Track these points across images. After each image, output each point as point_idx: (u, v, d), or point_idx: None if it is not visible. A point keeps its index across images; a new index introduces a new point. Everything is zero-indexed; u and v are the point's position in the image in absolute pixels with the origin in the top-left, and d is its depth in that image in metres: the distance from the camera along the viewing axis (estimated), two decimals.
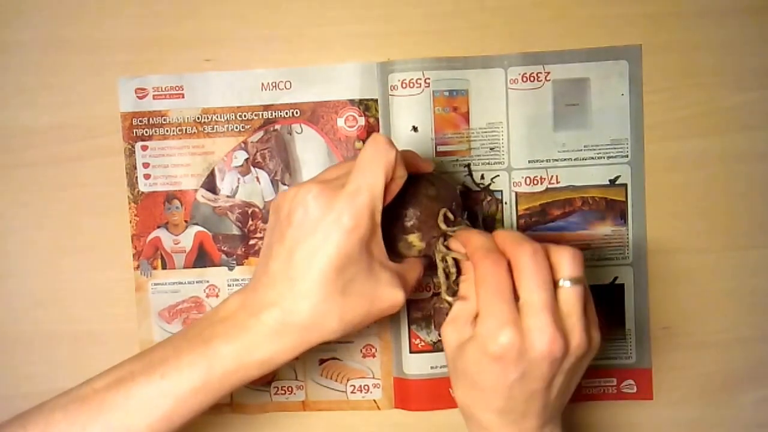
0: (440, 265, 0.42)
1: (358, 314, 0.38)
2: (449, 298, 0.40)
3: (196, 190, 0.52)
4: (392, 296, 0.39)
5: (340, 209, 0.36)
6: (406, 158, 0.40)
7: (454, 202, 0.43)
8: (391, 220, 0.42)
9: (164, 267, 0.52)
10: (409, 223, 0.42)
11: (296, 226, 0.37)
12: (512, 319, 0.35)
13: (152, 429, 0.37)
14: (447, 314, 0.40)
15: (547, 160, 0.51)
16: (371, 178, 0.37)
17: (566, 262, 0.36)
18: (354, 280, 0.37)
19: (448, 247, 0.41)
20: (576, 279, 0.36)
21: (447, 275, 0.41)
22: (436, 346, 0.52)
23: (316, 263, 0.36)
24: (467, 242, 0.39)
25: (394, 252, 0.42)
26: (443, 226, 0.42)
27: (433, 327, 0.52)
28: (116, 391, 0.37)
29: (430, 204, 0.42)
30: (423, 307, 0.52)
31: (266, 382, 0.53)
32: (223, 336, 0.38)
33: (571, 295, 0.36)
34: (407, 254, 0.43)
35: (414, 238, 0.42)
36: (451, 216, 0.42)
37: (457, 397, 0.40)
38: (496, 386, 0.37)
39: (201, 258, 0.52)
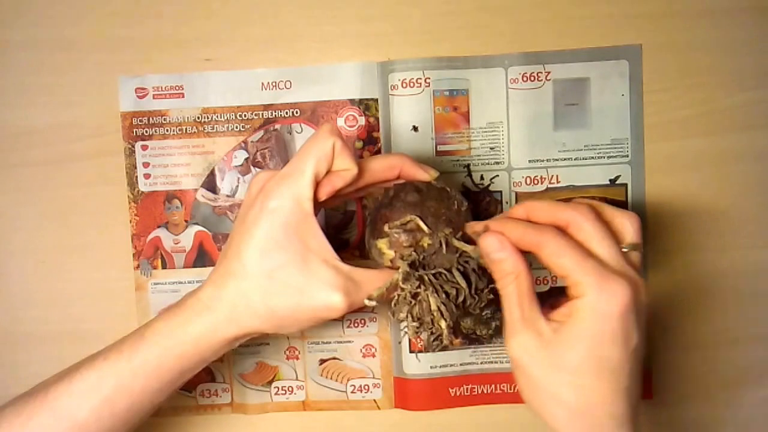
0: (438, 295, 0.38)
1: (285, 304, 0.37)
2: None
3: (196, 190, 0.52)
4: (326, 297, 0.37)
5: (266, 191, 0.38)
6: (399, 163, 0.41)
7: (444, 217, 0.39)
8: (372, 223, 0.41)
9: (164, 267, 0.52)
10: (378, 227, 0.40)
11: (243, 205, 0.40)
12: (617, 269, 0.33)
13: (95, 412, 0.37)
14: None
15: (547, 160, 0.51)
16: (301, 164, 0.38)
17: (628, 228, 0.36)
18: (283, 268, 0.37)
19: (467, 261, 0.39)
20: (635, 245, 0.36)
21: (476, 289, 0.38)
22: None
23: (242, 242, 0.38)
24: (508, 232, 0.36)
25: (369, 257, 0.41)
26: (387, 228, 0.39)
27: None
28: (61, 380, 0.38)
29: (405, 210, 0.39)
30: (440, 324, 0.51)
31: (267, 381, 0.53)
32: (164, 317, 0.39)
33: (633, 260, 0.35)
34: (380, 262, 0.41)
35: (382, 244, 0.40)
36: (422, 225, 0.39)
37: (568, 403, 0.34)
38: (621, 361, 0.33)
39: (201, 258, 0.52)
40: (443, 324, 0.38)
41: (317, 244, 0.38)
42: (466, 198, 0.42)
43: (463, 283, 0.38)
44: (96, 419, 0.38)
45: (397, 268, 0.39)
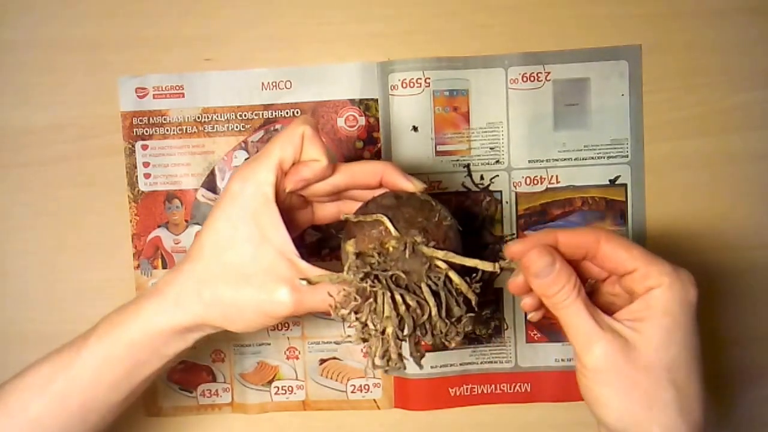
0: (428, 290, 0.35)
1: (230, 291, 0.35)
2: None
3: (196, 190, 0.52)
4: (272, 290, 0.35)
5: (230, 177, 0.37)
6: (381, 170, 0.39)
7: (419, 226, 0.36)
8: (345, 229, 0.38)
9: (165, 266, 0.52)
10: (348, 230, 0.37)
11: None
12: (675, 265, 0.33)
13: (47, 407, 0.36)
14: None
15: (547, 160, 0.51)
16: (267, 150, 0.37)
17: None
18: (234, 254, 0.36)
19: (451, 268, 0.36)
20: None
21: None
22: (436, 346, 0.52)
23: (204, 226, 0.37)
24: (560, 238, 0.34)
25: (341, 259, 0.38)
26: (353, 226, 0.36)
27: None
28: (16, 376, 0.37)
29: (376, 211, 0.37)
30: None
31: (267, 381, 0.53)
32: (117, 309, 0.38)
33: None
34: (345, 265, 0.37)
35: (350, 246, 0.36)
36: (389, 225, 0.35)
37: (662, 415, 0.32)
38: (700, 348, 0.33)
39: None
40: (389, 330, 0.34)
41: (276, 234, 0.36)
42: (467, 217, 0.39)
43: (431, 300, 0.35)
44: (49, 415, 0.36)
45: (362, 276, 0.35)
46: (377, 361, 0.35)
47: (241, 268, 0.36)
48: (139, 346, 0.37)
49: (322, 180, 0.38)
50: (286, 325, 0.52)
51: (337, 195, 0.41)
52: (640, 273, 0.33)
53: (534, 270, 0.33)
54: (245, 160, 0.51)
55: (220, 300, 0.36)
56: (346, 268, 0.35)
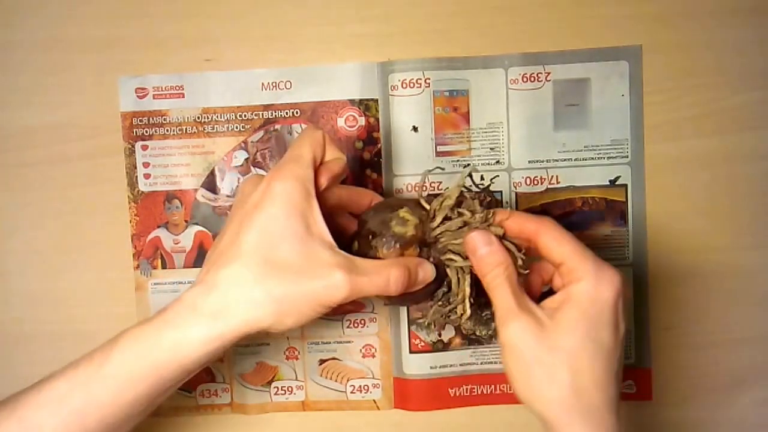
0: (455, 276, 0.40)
1: (284, 286, 0.35)
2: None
3: (196, 190, 0.52)
4: (328, 276, 0.35)
5: (268, 178, 0.37)
6: (371, 195, 0.43)
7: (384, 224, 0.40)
8: (357, 234, 0.41)
9: (164, 267, 0.52)
10: (381, 213, 0.40)
11: (233, 208, 0.39)
12: (601, 262, 0.36)
13: (64, 425, 0.35)
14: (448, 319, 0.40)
15: (547, 161, 0.51)
16: (297, 151, 0.38)
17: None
18: (281, 249, 0.35)
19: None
20: None
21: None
22: (436, 347, 0.52)
23: (241, 231, 0.36)
24: (510, 222, 0.38)
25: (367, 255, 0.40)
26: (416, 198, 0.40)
27: (433, 327, 0.52)
28: (31, 389, 0.36)
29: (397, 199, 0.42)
30: (423, 306, 0.52)
31: (267, 382, 0.53)
32: (141, 322, 0.36)
33: None
34: (400, 232, 0.39)
35: (404, 213, 0.39)
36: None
37: (556, 393, 0.35)
38: (613, 346, 0.36)
39: (201, 258, 0.52)
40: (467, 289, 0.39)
41: (320, 227, 0.37)
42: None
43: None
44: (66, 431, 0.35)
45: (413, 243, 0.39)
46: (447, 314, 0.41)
47: (292, 262, 0.35)
48: (165, 364, 0.35)
49: (343, 176, 0.40)
50: None
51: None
52: (566, 267, 0.36)
53: (470, 248, 0.38)
54: (245, 160, 0.51)
55: (275, 297, 0.35)
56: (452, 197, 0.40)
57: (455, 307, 0.41)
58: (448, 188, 0.41)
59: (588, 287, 0.35)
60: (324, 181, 0.38)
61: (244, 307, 0.35)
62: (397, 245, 0.38)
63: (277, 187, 0.36)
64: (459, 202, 0.40)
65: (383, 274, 0.37)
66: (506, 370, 0.37)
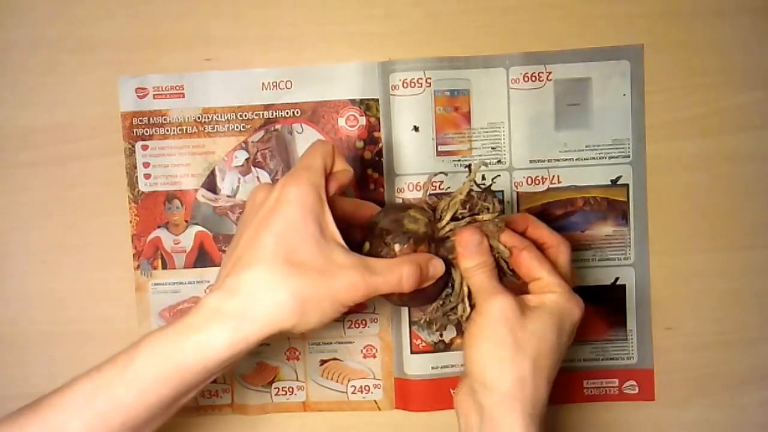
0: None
1: (308, 285, 0.36)
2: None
3: (196, 190, 0.52)
4: (347, 276, 0.37)
5: (282, 184, 0.38)
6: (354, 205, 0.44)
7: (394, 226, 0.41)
8: (368, 235, 0.42)
9: (164, 267, 0.52)
10: (391, 215, 0.42)
11: (244, 217, 0.40)
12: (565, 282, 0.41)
13: (87, 427, 0.35)
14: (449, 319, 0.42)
15: (548, 160, 0.51)
16: (308, 159, 0.40)
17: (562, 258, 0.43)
18: (300, 250, 0.36)
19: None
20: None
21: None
22: (437, 347, 0.52)
23: (259, 235, 0.37)
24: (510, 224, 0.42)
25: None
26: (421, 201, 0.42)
27: (434, 329, 0.51)
28: (55, 392, 0.37)
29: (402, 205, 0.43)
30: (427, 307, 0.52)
31: (268, 382, 0.52)
32: (164, 326, 0.37)
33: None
34: (413, 229, 0.41)
35: (414, 212, 0.41)
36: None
37: (519, 371, 0.38)
38: (561, 355, 0.40)
39: (201, 258, 0.52)
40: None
41: (332, 229, 0.38)
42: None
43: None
44: None
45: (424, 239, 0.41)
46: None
47: (312, 263, 0.37)
48: (189, 367, 0.36)
49: (348, 187, 0.43)
50: None
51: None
52: (544, 281, 0.40)
53: (462, 242, 0.41)
54: (245, 160, 0.51)
55: (299, 297, 0.36)
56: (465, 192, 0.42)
57: (455, 306, 0.42)
58: (452, 190, 0.42)
59: (561, 299, 0.40)
60: (332, 190, 0.40)
61: (269, 309, 0.36)
62: (411, 241, 0.40)
63: (292, 192, 0.37)
64: (464, 202, 0.42)
65: (396, 272, 0.38)
66: (472, 339, 0.40)
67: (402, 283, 0.38)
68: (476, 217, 0.42)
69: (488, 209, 0.42)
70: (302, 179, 0.38)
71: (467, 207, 0.42)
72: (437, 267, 0.40)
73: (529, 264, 0.41)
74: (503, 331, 0.38)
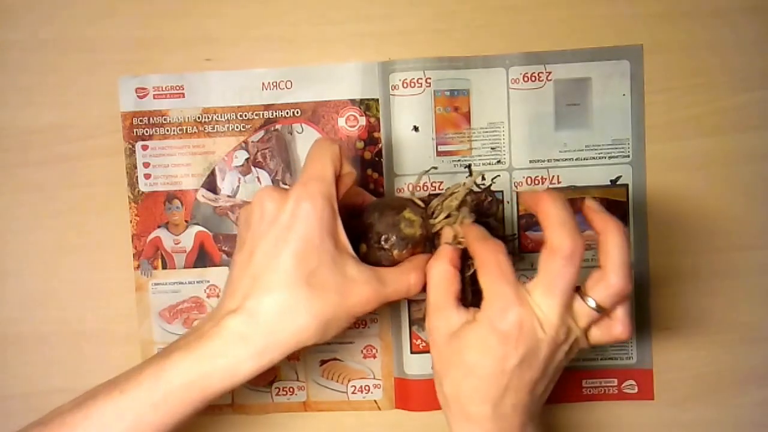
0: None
1: (327, 307, 0.37)
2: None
3: (196, 190, 0.52)
4: (361, 293, 0.37)
5: (296, 198, 0.37)
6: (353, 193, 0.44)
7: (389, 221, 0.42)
8: (363, 236, 0.42)
9: (165, 267, 0.52)
10: (385, 215, 0.42)
11: (254, 227, 0.38)
12: (518, 299, 0.36)
13: None
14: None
15: (548, 160, 0.51)
16: (320, 167, 0.38)
17: (602, 286, 0.37)
18: (319, 271, 0.37)
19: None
20: (599, 308, 0.37)
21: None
22: None
23: (277, 254, 0.37)
24: (466, 234, 0.40)
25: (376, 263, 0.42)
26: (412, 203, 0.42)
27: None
28: (78, 410, 0.36)
29: (395, 199, 0.43)
30: (424, 307, 0.52)
31: (268, 382, 0.52)
32: (183, 347, 0.37)
33: (584, 310, 0.37)
34: (407, 233, 0.42)
35: (409, 214, 0.42)
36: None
37: (445, 388, 0.39)
38: (495, 372, 0.36)
39: (202, 258, 0.52)
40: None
41: (343, 244, 0.38)
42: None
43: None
44: None
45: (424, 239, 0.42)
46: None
47: (331, 283, 0.37)
48: (216, 391, 0.37)
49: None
50: None
51: None
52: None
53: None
54: (245, 159, 0.51)
55: (321, 320, 0.37)
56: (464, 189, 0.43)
57: None
58: (448, 188, 0.42)
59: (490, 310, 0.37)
60: (339, 195, 0.40)
61: (293, 333, 0.37)
62: (409, 245, 0.41)
63: (308, 208, 0.37)
64: (458, 206, 0.43)
65: (404, 281, 0.39)
66: (461, 346, 0.38)
67: (410, 290, 0.40)
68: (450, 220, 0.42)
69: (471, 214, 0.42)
70: (316, 194, 0.37)
71: (460, 210, 0.42)
72: None
73: (480, 280, 0.38)
74: (501, 353, 0.37)
